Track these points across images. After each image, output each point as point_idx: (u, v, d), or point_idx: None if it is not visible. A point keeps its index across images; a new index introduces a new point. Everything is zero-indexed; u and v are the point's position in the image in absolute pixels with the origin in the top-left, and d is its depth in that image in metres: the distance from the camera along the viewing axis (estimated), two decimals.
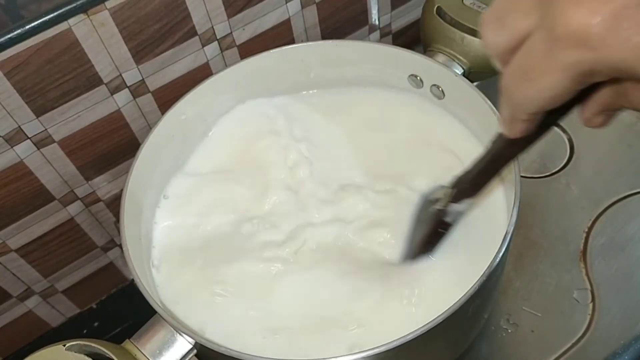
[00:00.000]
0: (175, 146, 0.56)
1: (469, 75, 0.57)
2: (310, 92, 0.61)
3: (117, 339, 0.44)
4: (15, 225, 0.59)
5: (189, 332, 0.42)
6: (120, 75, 0.56)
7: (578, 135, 0.68)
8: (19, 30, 0.48)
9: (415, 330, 0.38)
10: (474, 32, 0.55)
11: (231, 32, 0.61)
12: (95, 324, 0.71)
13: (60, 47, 0.51)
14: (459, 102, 0.54)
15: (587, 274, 0.58)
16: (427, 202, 0.48)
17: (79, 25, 0.51)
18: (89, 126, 0.57)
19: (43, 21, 0.49)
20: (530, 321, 0.56)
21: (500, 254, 0.42)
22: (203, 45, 0.60)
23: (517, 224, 0.43)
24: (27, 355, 0.41)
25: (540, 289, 0.58)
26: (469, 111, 0.53)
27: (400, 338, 0.38)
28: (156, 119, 0.56)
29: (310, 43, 0.57)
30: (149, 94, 0.60)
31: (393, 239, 0.49)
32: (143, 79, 0.58)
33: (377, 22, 0.74)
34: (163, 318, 0.43)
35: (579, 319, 0.56)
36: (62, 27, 0.50)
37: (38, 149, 0.55)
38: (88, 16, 0.51)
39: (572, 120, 0.71)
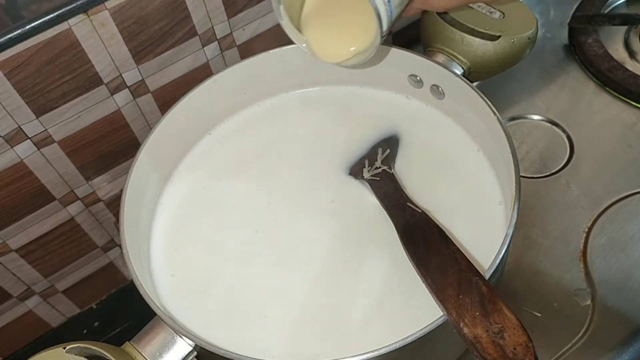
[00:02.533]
0: (175, 146, 0.56)
1: (468, 75, 0.57)
2: (310, 91, 0.61)
3: (117, 339, 0.44)
4: (15, 225, 0.59)
5: (189, 334, 0.42)
6: (120, 75, 0.56)
7: (578, 135, 0.68)
8: (19, 31, 0.48)
9: (416, 332, 0.38)
10: (474, 32, 0.55)
11: (231, 32, 0.61)
12: (96, 324, 0.71)
13: (60, 48, 0.51)
14: (459, 102, 0.54)
15: (587, 274, 0.58)
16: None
17: (79, 26, 0.51)
18: (89, 126, 0.57)
19: (43, 21, 0.48)
20: (530, 321, 0.56)
21: (500, 255, 0.42)
22: (203, 45, 0.60)
23: (517, 224, 0.43)
24: (27, 355, 0.41)
25: (540, 289, 0.58)
26: (469, 111, 0.53)
27: (400, 340, 0.38)
28: (156, 119, 0.56)
29: None
30: (149, 94, 0.60)
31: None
32: (143, 79, 0.58)
33: None
34: (163, 320, 0.43)
35: (579, 319, 0.56)
36: (62, 27, 0.50)
37: (38, 149, 0.55)
38: (88, 16, 0.51)
39: (572, 120, 0.71)
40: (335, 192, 0.54)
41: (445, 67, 0.54)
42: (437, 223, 0.46)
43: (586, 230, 0.61)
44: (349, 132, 0.58)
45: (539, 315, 0.56)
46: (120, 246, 0.49)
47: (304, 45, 0.50)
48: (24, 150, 0.55)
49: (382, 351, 0.38)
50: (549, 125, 0.70)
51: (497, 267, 0.42)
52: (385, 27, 0.44)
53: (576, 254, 0.60)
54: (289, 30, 0.49)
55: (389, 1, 0.43)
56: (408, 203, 0.49)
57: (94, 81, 0.55)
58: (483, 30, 0.55)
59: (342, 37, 0.49)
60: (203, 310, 0.48)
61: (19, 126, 0.53)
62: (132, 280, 0.44)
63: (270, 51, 0.56)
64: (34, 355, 0.41)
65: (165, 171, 0.56)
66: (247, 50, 0.64)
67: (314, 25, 0.50)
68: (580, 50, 0.75)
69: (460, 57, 0.56)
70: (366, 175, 0.53)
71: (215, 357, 0.41)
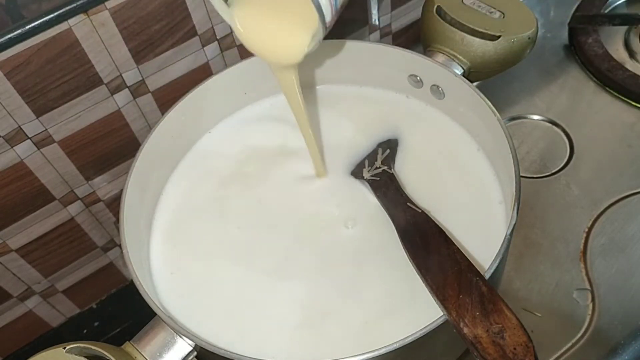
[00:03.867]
0: (175, 146, 0.56)
1: (468, 75, 0.57)
2: (310, 91, 0.61)
3: (118, 339, 0.44)
4: (15, 225, 0.59)
5: (189, 334, 0.42)
6: (120, 75, 0.56)
7: (578, 136, 0.68)
8: (19, 30, 0.48)
9: (416, 332, 0.38)
10: (474, 32, 0.55)
11: (232, 32, 0.61)
12: (96, 324, 0.71)
13: (60, 47, 0.51)
14: (459, 102, 0.54)
15: (587, 274, 0.58)
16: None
17: (79, 26, 0.51)
18: (89, 126, 0.57)
19: (43, 21, 0.48)
20: (530, 321, 0.56)
21: (500, 255, 0.42)
22: (203, 46, 0.60)
23: (517, 224, 0.43)
24: (27, 355, 0.41)
25: (540, 289, 0.58)
26: (469, 111, 0.53)
27: (400, 340, 0.38)
28: (156, 119, 0.56)
29: None
30: (149, 94, 0.60)
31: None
32: (143, 79, 0.58)
33: (377, 22, 0.74)
34: (163, 320, 0.43)
35: (579, 319, 0.56)
36: (62, 27, 0.50)
37: (38, 149, 0.55)
38: (88, 16, 0.51)
39: (572, 120, 0.71)
40: (335, 192, 0.54)
41: (445, 67, 0.54)
42: (437, 223, 0.46)
43: (586, 230, 0.61)
44: (349, 132, 0.58)
45: (539, 315, 0.56)
46: (120, 246, 0.49)
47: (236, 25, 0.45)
48: (24, 150, 0.55)
49: (382, 351, 0.38)
50: (549, 125, 0.70)
51: (497, 267, 0.42)
52: (328, 18, 0.40)
53: (576, 254, 0.60)
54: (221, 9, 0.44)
55: None
56: (408, 203, 0.49)
57: (94, 81, 0.55)
58: (483, 30, 0.55)
59: (281, 26, 0.44)
60: (203, 310, 0.48)
61: (19, 126, 0.53)
62: (132, 280, 0.44)
63: None
64: (34, 355, 0.41)
65: (165, 171, 0.56)
66: (248, 50, 0.64)
67: (249, 7, 0.44)
68: (580, 50, 0.75)
69: (460, 57, 0.56)
70: (366, 175, 0.53)
71: (215, 357, 0.41)
